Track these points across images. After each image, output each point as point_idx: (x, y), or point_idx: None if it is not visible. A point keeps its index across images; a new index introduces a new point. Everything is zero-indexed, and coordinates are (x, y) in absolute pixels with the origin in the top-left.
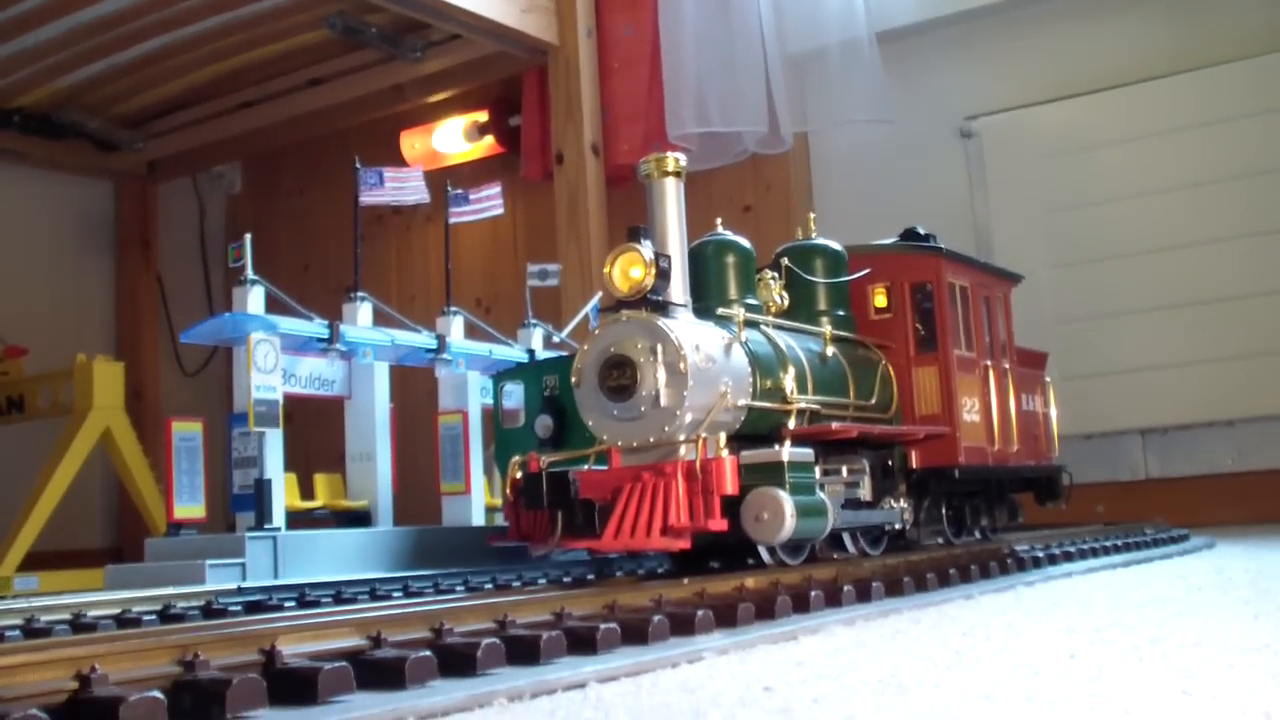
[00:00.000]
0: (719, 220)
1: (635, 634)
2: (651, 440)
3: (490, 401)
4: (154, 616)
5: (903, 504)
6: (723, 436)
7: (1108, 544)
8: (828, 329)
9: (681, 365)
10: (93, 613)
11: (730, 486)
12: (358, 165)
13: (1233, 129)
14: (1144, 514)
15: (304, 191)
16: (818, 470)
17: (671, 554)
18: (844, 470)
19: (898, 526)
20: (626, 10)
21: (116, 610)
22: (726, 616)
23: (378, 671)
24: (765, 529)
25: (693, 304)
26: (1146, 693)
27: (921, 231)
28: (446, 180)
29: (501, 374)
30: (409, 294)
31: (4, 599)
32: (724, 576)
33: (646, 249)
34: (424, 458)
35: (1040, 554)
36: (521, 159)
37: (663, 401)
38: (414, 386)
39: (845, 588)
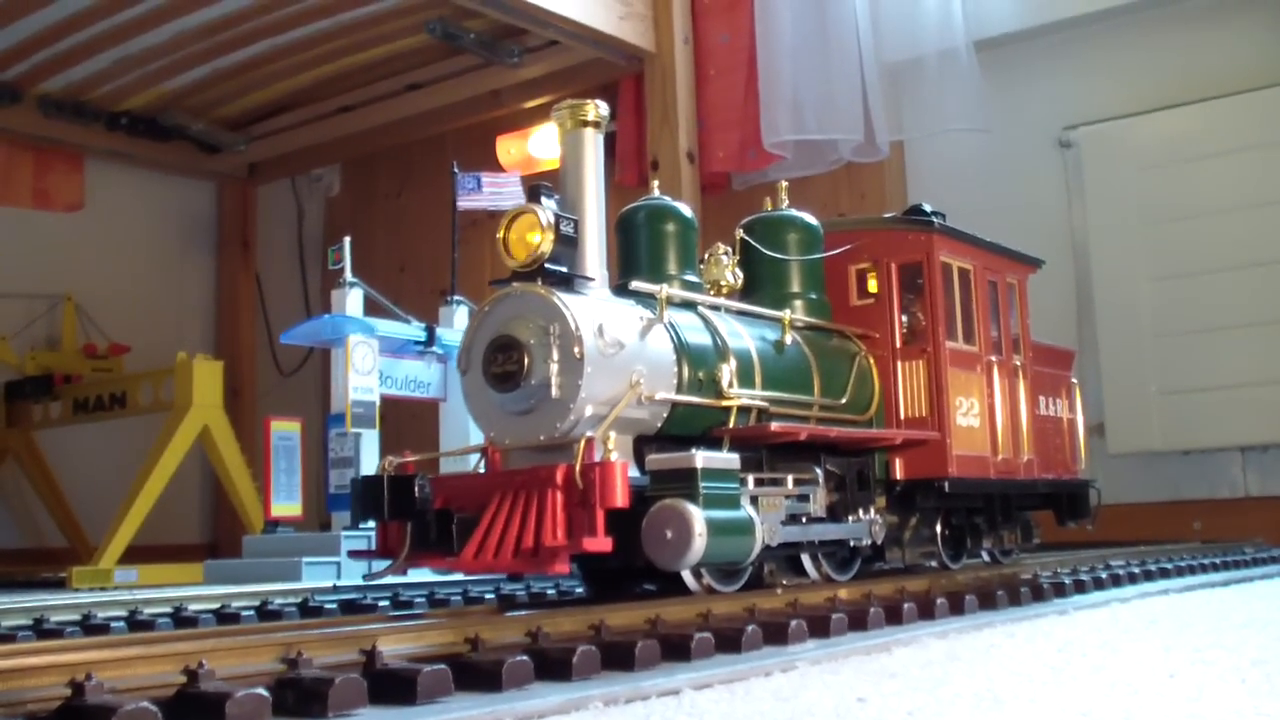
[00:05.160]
0: (655, 183)
1: (729, 643)
2: (542, 439)
3: None
4: (253, 612)
5: (874, 515)
6: (614, 436)
7: (1205, 562)
8: (787, 314)
9: (576, 349)
10: (193, 607)
11: (620, 498)
12: (455, 170)
13: None
14: (1243, 532)
15: (401, 194)
16: (751, 480)
17: (585, 574)
18: (789, 480)
19: (865, 542)
20: (723, 18)
21: (216, 605)
22: (819, 627)
23: (476, 674)
24: (668, 551)
25: (621, 279)
26: (1250, 716)
27: (928, 209)
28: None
29: None
30: None
31: (106, 589)
32: (815, 588)
33: (545, 211)
34: None
35: (1136, 570)
36: (616, 165)
37: (554, 392)
38: None
39: (939, 600)
